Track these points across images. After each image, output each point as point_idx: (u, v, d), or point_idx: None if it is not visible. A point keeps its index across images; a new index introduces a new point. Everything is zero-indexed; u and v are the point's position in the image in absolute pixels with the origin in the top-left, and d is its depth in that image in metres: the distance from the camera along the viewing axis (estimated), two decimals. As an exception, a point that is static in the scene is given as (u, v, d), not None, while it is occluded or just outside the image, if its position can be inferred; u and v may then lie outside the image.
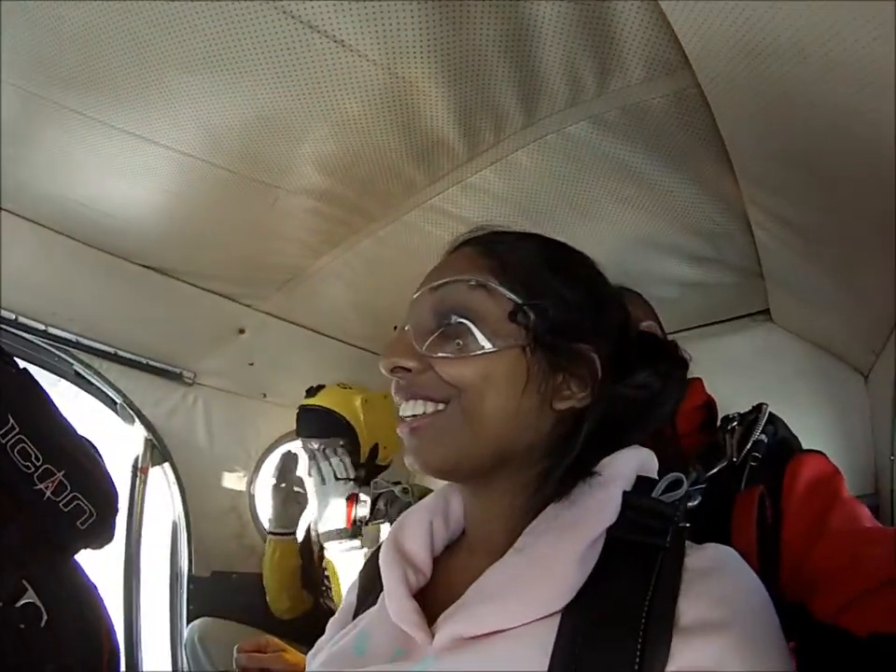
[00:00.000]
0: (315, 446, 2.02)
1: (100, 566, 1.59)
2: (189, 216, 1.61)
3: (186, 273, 1.93)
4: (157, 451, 2.15)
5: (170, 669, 2.18)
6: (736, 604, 0.56)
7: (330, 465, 1.93)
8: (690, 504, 0.67)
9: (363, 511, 1.93)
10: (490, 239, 0.75)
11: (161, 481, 2.18)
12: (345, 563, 1.77)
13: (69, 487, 1.40)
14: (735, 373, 1.77)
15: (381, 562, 0.75)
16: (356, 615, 0.81)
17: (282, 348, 2.26)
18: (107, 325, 2.00)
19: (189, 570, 2.19)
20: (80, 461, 1.47)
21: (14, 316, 1.85)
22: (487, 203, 1.43)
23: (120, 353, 2.06)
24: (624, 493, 0.65)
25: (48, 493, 1.37)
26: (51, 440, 1.42)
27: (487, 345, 0.66)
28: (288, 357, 2.29)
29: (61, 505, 1.39)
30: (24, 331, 1.88)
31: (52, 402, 1.49)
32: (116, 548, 1.68)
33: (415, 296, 0.72)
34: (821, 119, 0.88)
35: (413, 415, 0.68)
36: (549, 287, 0.69)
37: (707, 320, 1.95)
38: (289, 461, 2.16)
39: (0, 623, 1.24)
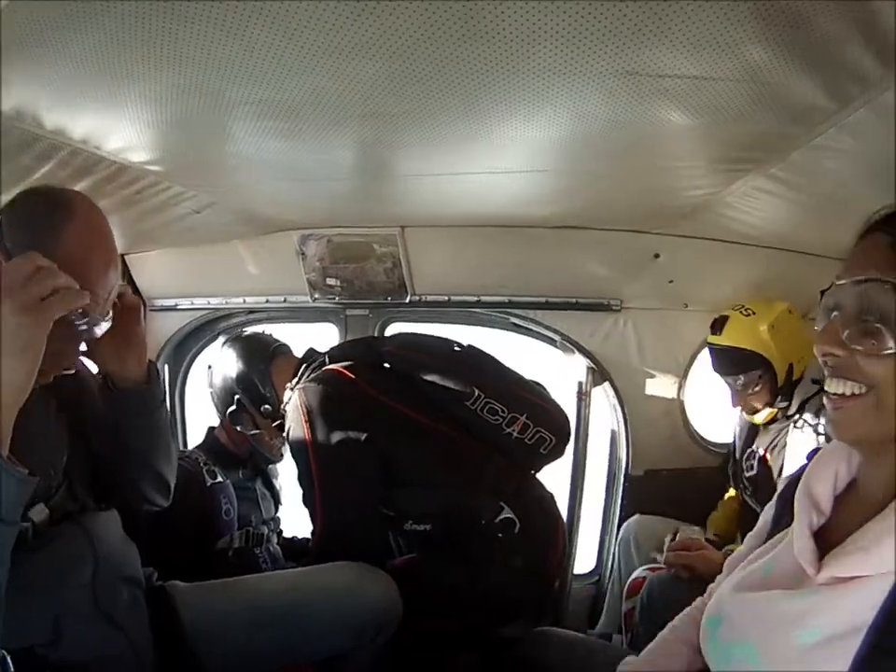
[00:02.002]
0: (736, 383, 2.11)
1: (553, 469, 2.10)
2: (589, 191, 1.85)
3: (597, 221, 2.23)
4: (597, 374, 2.50)
5: (596, 552, 2.71)
6: None
7: None
8: None
9: None
10: None
11: (601, 397, 2.56)
12: None
13: (532, 425, 1.90)
14: None
15: (795, 500, 0.95)
16: (769, 535, 1.05)
17: (697, 262, 2.37)
18: (535, 281, 2.44)
19: (626, 470, 2.56)
20: (536, 402, 1.95)
21: (447, 298, 2.49)
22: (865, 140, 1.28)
23: (551, 300, 2.45)
24: None
25: (515, 433, 1.89)
26: (509, 393, 1.92)
27: (893, 347, 0.78)
28: (705, 268, 2.39)
29: (526, 440, 1.91)
30: (459, 307, 2.51)
31: (501, 363, 2.00)
32: (566, 456, 2.15)
33: (840, 283, 0.85)
34: None
35: (837, 394, 0.83)
36: None
37: None
38: None
39: (484, 534, 1.84)
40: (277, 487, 2.52)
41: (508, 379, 1.98)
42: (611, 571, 2.58)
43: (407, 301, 2.51)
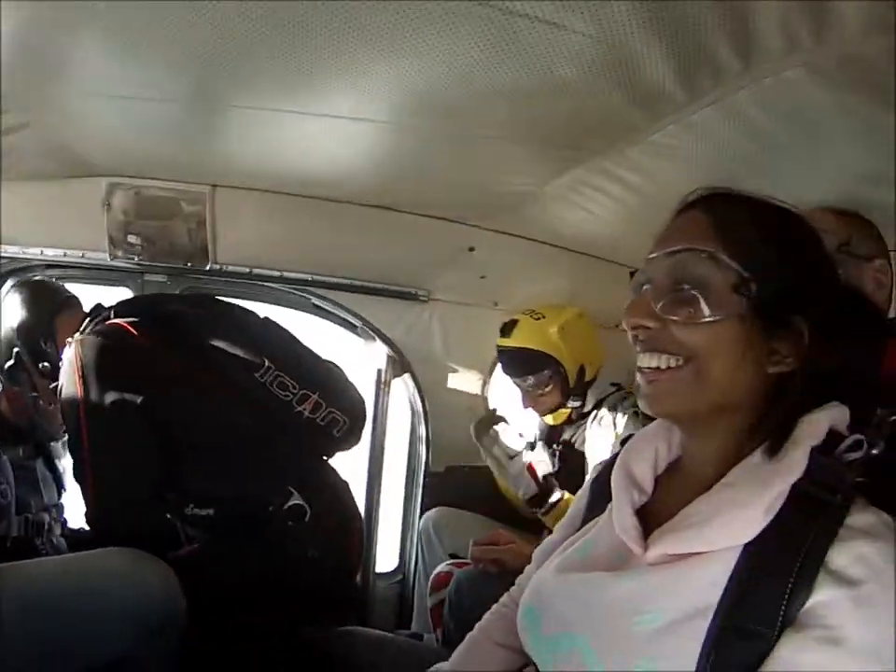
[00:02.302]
0: (525, 384, 2.16)
1: (348, 463, 2.01)
2: (411, 156, 1.77)
3: (412, 205, 2.18)
4: (398, 364, 2.44)
5: (399, 550, 2.62)
6: (874, 567, 0.66)
7: None
8: (874, 452, 0.76)
9: None
10: (719, 206, 0.82)
11: (402, 388, 2.50)
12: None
13: (324, 405, 1.79)
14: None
15: (613, 480, 0.91)
16: (584, 521, 0.99)
17: (511, 260, 2.38)
18: (342, 262, 2.33)
19: (426, 465, 2.52)
20: (331, 382, 1.86)
21: (248, 270, 2.31)
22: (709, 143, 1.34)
23: (355, 283, 2.35)
24: (812, 449, 0.74)
25: (306, 413, 1.78)
26: (302, 369, 1.81)
27: (713, 315, 0.76)
28: (518, 267, 2.40)
29: (318, 421, 1.80)
30: (261, 280, 2.34)
31: (297, 339, 1.90)
32: (362, 448, 2.10)
33: (652, 256, 0.83)
34: None
35: (650, 367, 0.80)
36: (770, 261, 0.77)
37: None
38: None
39: (272, 521, 1.72)
40: (61, 469, 2.23)
41: (301, 354, 1.88)
42: (415, 570, 2.53)
43: (207, 268, 2.33)
